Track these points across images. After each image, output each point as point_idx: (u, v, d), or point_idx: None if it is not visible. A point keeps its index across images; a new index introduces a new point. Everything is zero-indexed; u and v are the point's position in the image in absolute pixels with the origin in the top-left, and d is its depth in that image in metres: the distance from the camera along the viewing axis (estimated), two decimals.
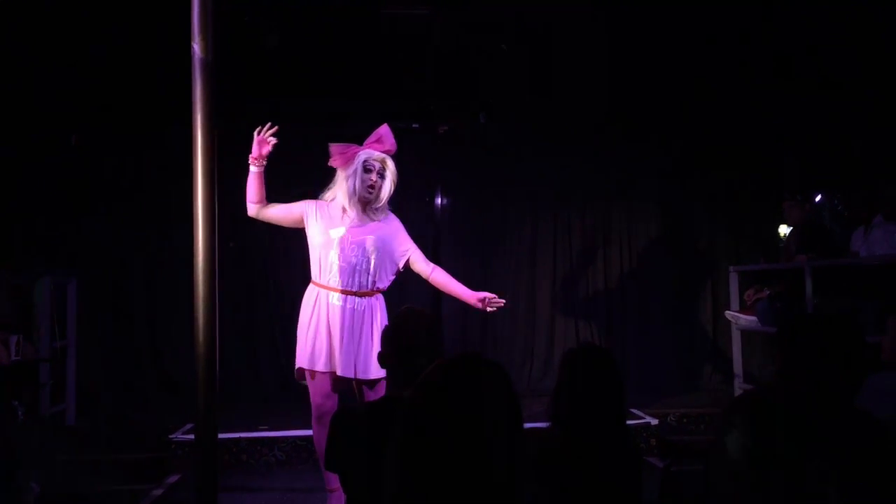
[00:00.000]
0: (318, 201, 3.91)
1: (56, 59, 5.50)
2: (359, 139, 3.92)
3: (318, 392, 3.79)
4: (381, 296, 3.91)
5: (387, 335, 2.54)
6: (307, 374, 3.82)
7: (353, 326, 3.75)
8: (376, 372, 3.71)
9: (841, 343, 1.92)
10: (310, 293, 3.90)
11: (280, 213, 3.92)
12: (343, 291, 3.76)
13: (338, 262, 3.76)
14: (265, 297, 6.88)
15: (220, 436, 2.32)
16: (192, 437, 4.74)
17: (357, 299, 3.77)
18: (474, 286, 6.91)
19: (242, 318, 6.74)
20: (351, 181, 3.78)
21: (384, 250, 3.86)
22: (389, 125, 3.94)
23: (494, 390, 1.26)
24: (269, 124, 3.79)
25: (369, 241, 3.79)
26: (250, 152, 3.77)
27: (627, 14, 5.19)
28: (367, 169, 3.80)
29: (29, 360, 5.23)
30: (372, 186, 3.79)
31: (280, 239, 6.90)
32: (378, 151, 3.84)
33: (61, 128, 6.38)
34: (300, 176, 6.91)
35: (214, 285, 2.31)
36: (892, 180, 5.45)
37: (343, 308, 3.75)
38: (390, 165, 3.85)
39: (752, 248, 7.07)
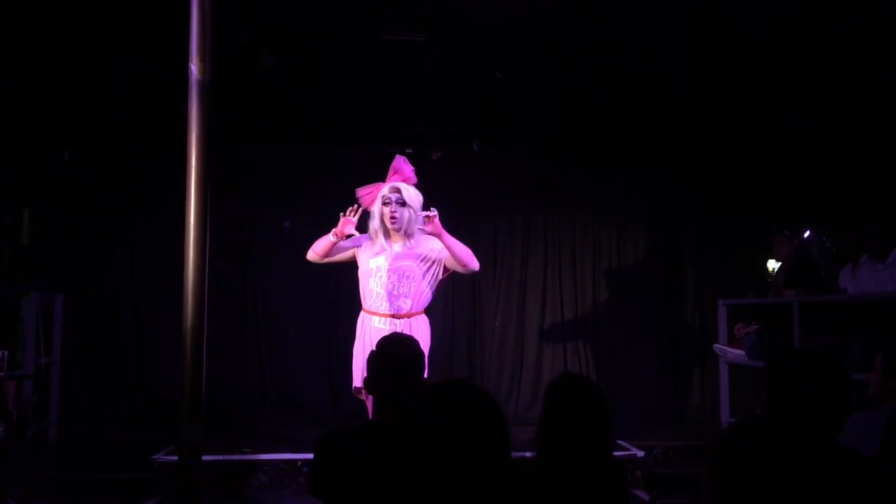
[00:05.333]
0: (366, 235, 4.40)
1: (49, 75, 5.50)
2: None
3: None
4: (424, 316, 4.33)
5: (372, 361, 2.54)
6: (363, 392, 4.05)
7: None
8: None
9: (825, 380, 1.93)
10: (359, 319, 4.33)
11: (338, 251, 4.39)
12: (382, 315, 4.19)
13: (377, 290, 4.22)
14: (253, 318, 6.85)
15: (204, 458, 2.30)
16: (175, 458, 4.70)
17: (398, 321, 4.17)
18: (463, 313, 7.03)
19: (230, 339, 6.70)
20: (375, 219, 4.27)
21: (420, 273, 4.26)
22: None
23: (481, 418, 1.25)
24: (356, 206, 4.32)
25: (406, 269, 4.22)
26: (335, 227, 4.30)
27: (621, 45, 5.24)
28: (384, 203, 4.25)
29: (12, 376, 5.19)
30: (394, 218, 4.22)
31: (269, 261, 6.91)
32: (396, 182, 4.29)
33: (53, 144, 6.37)
34: (292, 198, 6.98)
35: (203, 305, 2.30)
36: (875, 218, 5.50)
37: (383, 331, 4.02)
38: (407, 193, 4.27)
39: (742, 282, 7.09)
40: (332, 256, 4.38)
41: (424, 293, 4.31)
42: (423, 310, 4.33)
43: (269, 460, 5.16)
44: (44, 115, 5.99)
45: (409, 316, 4.22)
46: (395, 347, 2.51)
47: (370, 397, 4.01)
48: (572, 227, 7.23)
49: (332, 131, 6.72)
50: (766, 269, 7.05)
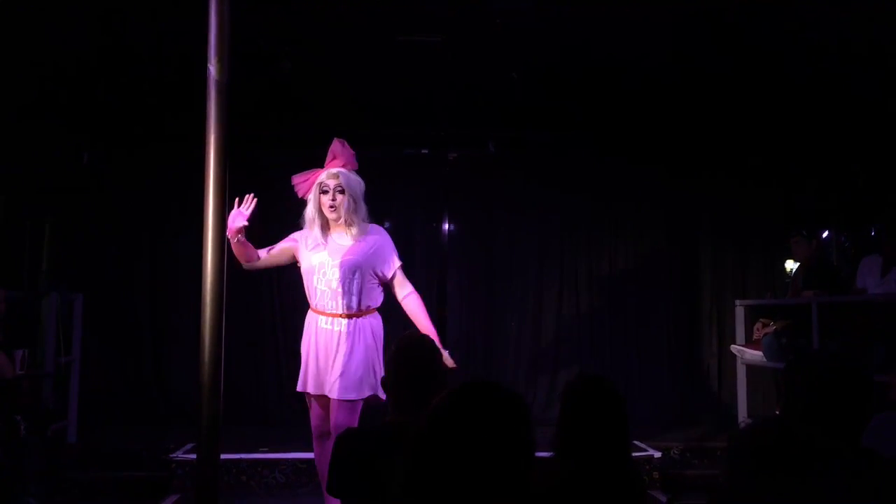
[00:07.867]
0: (304, 230, 3.94)
1: (68, 76, 5.54)
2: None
3: (314, 414, 3.92)
4: (377, 314, 3.93)
5: (390, 361, 2.54)
6: (305, 397, 3.94)
7: (336, 347, 3.77)
8: (341, 393, 3.69)
9: (845, 382, 1.91)
10: (307, 319, 3.97)
11: (274, 257, 3.99)
12: (331, 315, 3.79)
13: (321, 287, 3.81)
14: (270, 317, 6.87)
15: (221, 456, 2.30)
16: (193, 456, 4.72)
17: (346, 321, 3.77)
18: (479, 313, 7.02)
19: (247, 337, 6.71)
20: (311, 207, 3.87)
21: (367, 268, 3.84)
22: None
23: (509, 422, 1.24)
24: (250, 196, 3.81)
25: (351, 263, 3.79)
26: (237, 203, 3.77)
27: (638, 53, 5.23)
28: (323, 191, 3.84)
29: (33, 374, 5.24)
30: (332, 206, 3.81)
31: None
32: (335, 168, 3.87)
33: (73, 145, 6.42)
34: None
35: (222, 304, 2.31)
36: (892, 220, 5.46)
37: (331, 331, 3.78)
38: (347, 179, 3.84)
39: (759, 282, 7.05)
40: (255, 261, 3.95)
41: (374, 290, 3.89)
42: (375, 307, 3.92)
43: (287, 459, 5.18)
44: (63, 117, 6.04)
45: (359, 315, 3.80)
46: (413, 347, 2.50)
47: (311, 404, 3.88)
48: (588, 227, 7.21)
49: (348, 133, 6.71)
50: (784, 269, 7.01)
